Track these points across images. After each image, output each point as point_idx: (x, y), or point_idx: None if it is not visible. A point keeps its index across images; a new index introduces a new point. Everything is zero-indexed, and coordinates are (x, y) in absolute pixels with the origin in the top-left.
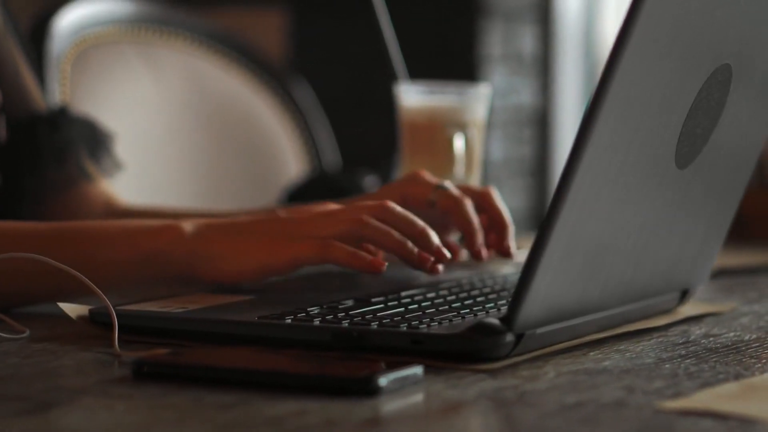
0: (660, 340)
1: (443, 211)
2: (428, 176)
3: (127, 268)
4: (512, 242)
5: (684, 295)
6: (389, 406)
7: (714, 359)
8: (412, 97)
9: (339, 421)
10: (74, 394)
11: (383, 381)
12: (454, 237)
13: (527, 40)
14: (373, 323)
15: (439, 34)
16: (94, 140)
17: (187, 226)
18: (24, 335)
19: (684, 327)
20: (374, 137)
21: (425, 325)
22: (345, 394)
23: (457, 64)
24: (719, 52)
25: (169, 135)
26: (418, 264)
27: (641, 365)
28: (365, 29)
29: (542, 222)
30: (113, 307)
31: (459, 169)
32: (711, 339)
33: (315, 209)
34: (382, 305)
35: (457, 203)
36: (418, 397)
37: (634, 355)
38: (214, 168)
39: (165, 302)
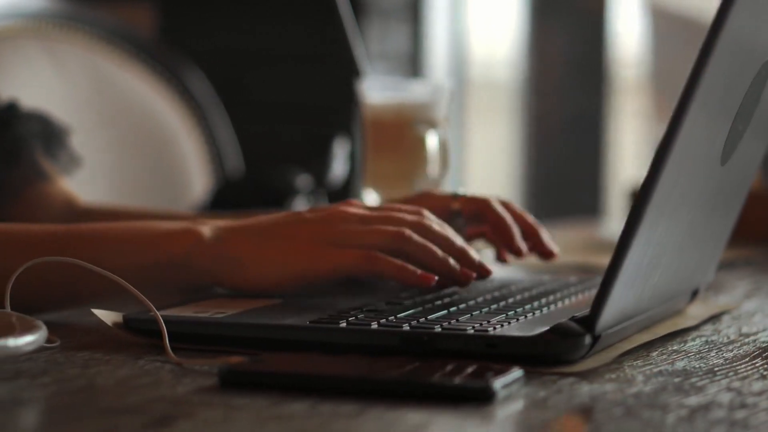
0: (704, 339)
1: (471, 216)
2: (440, 190)
3: (146, 274)
4: (551, 242)
5: (695, 293)
6: (516, 413)
7: None
8: (378, 93)
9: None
10: (183, 406)
11: (497, 386)
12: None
13: (401, 39)
14: (435, 327)
15: (317, 33)
16: (49, 136)
17: (206, 230)
18: (56, 344)
19: (713, 326)
20: (253, 135)
21: (492, 328)
22: (460, 401)
23: (336, 62)
24: (765, 48)
25: (74, 133)
26: (463, 281)
27: (718, 366)
28: (237, 24)
29: (623, 230)
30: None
31: (432, 168)
32: (752, 337)
33: (345, 213)
34: (420, 308)
35: (484, 203)
36: (534, 403)
37: (698, 356)
38: (118, 166)
39: (195, 307)
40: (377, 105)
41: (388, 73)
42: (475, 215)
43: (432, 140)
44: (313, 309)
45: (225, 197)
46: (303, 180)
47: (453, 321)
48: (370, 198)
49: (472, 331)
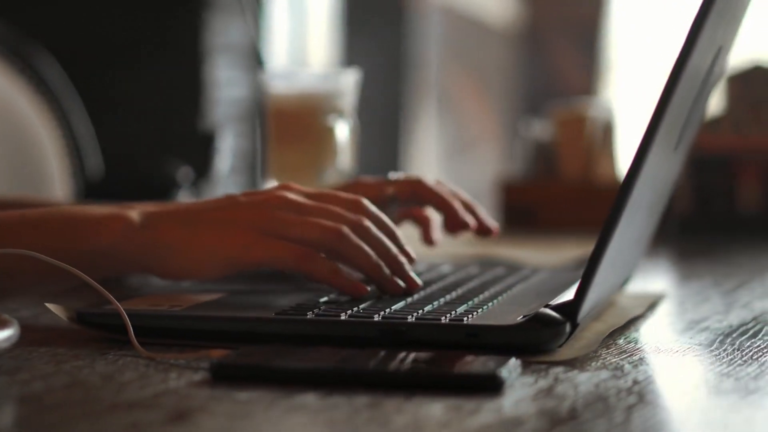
0: (656, 327)
1: (406, 199)
2: (369, 178)
3: (74, 263)
4: (489, 219)
5: (624, 282)
6: (532, 402)
7: (748, 343)
8: (282, 83)
9: (513, 419)
10: (191, 400)
11: (505, 375)
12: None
13: (243, 32)
14: (408, 317)
15: (161, 26)
16: None
17: (134, 215)
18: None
19: (654, 315)
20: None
21: (466, 317)
22: (469, 391)
23: (181, 55)
24: (720, 33)
25: None
26: (390, 291)
27: (693, 351)
28: (74, 15)
29: (606, 222)
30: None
31: (343, 159)
32: (702, 324)
33: (282, 199)
34: (375, 298)
35: (419, 183)
36: (541, 392)
37: (665, 343)
38: None
39: (145, 301)
40: (282, 95)
41: (231, 65)
42: (411, 198)
43: (342, 130)
44: (269, 302)
45: (98, 189)
46: (184, 172)
47: (420, 311)
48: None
49: (447, 321)
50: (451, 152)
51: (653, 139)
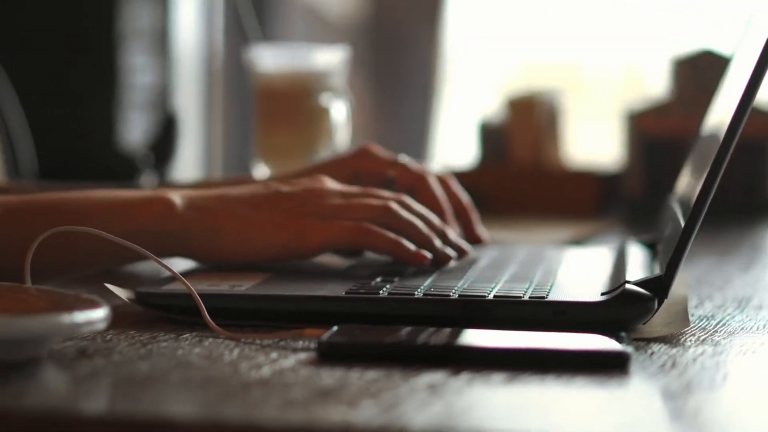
0: (711, 305)
1: (404, 187)
2: (380, 150)
3: (113, 246)
4: (480, 228)
5: None
6: (666, 378)
7: None
8: (271, 60)
9: (668, 393)
10: (324, 379)
11: (630, 351)
12: None
13: (153, 17)
14: (486, 294)
15: (74, 10)
16: None
17: (176, 197)
18: None
19: (697, 294)
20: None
21: (545, 294)
22: (593, 368)
23: (93, 41)
24: None
25: None
26: (442, 262)
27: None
28: None
29: (695, 204)
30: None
31: (341, 141)
32: (752, 302)
33: (323, 187)
34: (435, 275)
35: (420, 179)
36: (666, 369)
37: (734, 319)
38: None
39: (201, 282)
40: (271, 74)
41: (142, 51)
42: (409, 187)
43: (338, 110)
44: (321, 280)
45: (51, 175)
46: (144, 157)
47: (491, 289)
48: (261, 173)
49: (529, 298)
50: None
51: (736, 134)
